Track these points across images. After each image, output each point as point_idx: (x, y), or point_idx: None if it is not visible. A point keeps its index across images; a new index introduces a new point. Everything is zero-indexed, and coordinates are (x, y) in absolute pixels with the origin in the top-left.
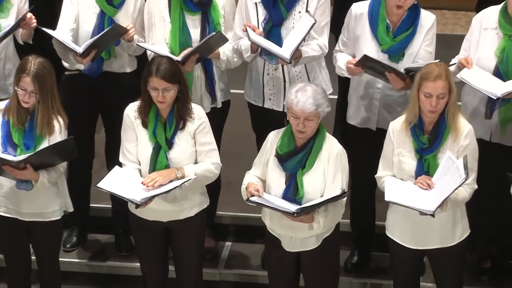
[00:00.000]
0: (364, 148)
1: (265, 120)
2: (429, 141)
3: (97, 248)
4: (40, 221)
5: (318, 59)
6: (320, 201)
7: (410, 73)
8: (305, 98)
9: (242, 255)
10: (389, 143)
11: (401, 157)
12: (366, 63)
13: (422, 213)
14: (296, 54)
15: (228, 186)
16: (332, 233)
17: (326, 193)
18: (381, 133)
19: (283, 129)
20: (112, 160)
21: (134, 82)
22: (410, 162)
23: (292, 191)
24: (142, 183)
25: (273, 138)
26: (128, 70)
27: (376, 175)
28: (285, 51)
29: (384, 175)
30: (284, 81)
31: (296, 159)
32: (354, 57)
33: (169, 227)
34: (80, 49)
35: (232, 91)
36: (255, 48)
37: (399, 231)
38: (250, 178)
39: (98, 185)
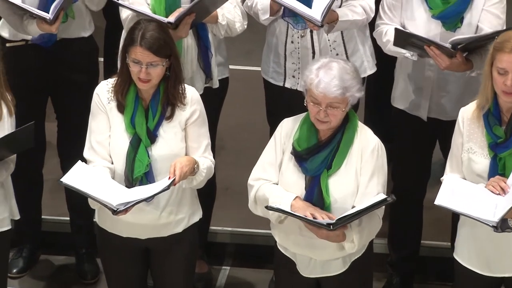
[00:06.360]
0: (412, 143)
1: (285, 105)
2: (505, 133)
3: (53, 274)
4: None
5: (361, 25)
6: (364, 207)
7: (458, 47)
8: (329, 78)
9: (244, 283)
10: (458, 135)
11: (472, 154)
12: (402, 39)
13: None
14: (332, 17)
15: (224, 193)
16: (364, 254)
17: (358, 201)
18: (434, 125)
19: (300, 116)
20: (68, 156)
21: (93, 53)
22: (481, 161)
23: (316, 199)
24: (169, 178)
25: (289, 128)
26: (87, 34)
27: (442, 178)
28: (315, 11)
29: None
30: (313, 52)
31: (319, 157)
32: (403, 27)
33: (148, 247)
34: (49, 14)
35: (231, 66)
36: (276, 8)
37: (469, 252)
38: (286, 193)
39: (62, 179)
